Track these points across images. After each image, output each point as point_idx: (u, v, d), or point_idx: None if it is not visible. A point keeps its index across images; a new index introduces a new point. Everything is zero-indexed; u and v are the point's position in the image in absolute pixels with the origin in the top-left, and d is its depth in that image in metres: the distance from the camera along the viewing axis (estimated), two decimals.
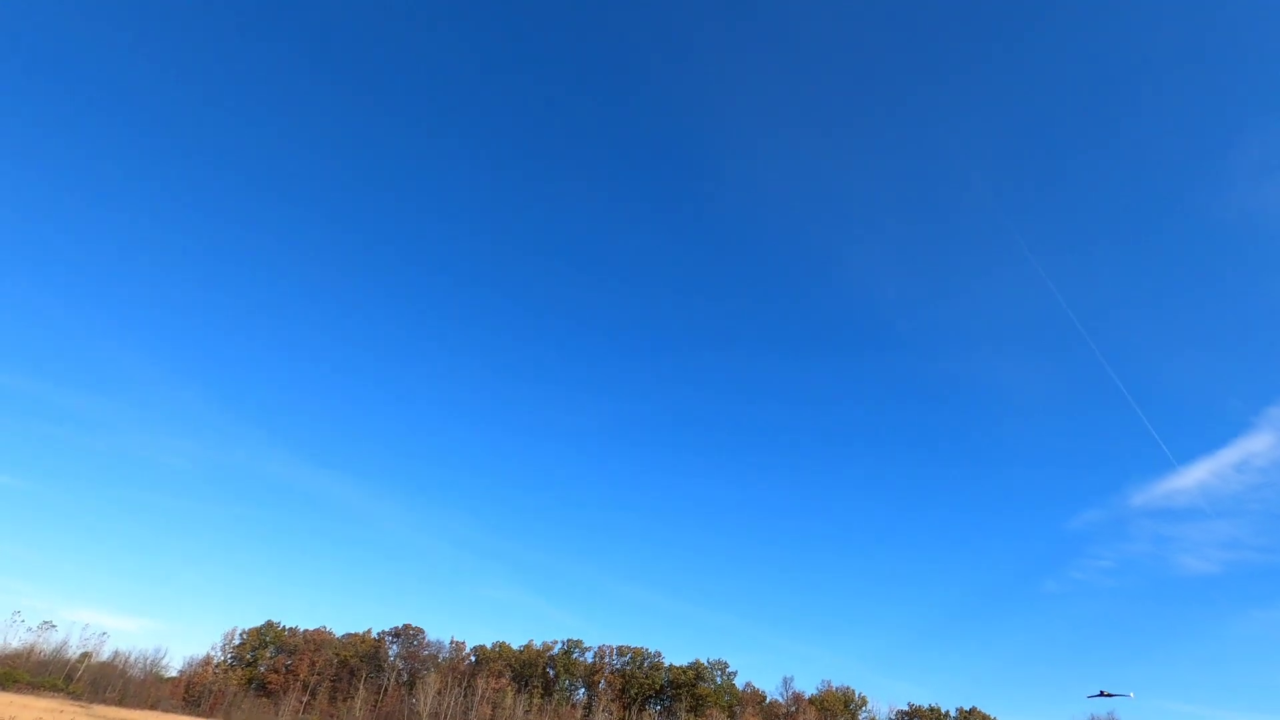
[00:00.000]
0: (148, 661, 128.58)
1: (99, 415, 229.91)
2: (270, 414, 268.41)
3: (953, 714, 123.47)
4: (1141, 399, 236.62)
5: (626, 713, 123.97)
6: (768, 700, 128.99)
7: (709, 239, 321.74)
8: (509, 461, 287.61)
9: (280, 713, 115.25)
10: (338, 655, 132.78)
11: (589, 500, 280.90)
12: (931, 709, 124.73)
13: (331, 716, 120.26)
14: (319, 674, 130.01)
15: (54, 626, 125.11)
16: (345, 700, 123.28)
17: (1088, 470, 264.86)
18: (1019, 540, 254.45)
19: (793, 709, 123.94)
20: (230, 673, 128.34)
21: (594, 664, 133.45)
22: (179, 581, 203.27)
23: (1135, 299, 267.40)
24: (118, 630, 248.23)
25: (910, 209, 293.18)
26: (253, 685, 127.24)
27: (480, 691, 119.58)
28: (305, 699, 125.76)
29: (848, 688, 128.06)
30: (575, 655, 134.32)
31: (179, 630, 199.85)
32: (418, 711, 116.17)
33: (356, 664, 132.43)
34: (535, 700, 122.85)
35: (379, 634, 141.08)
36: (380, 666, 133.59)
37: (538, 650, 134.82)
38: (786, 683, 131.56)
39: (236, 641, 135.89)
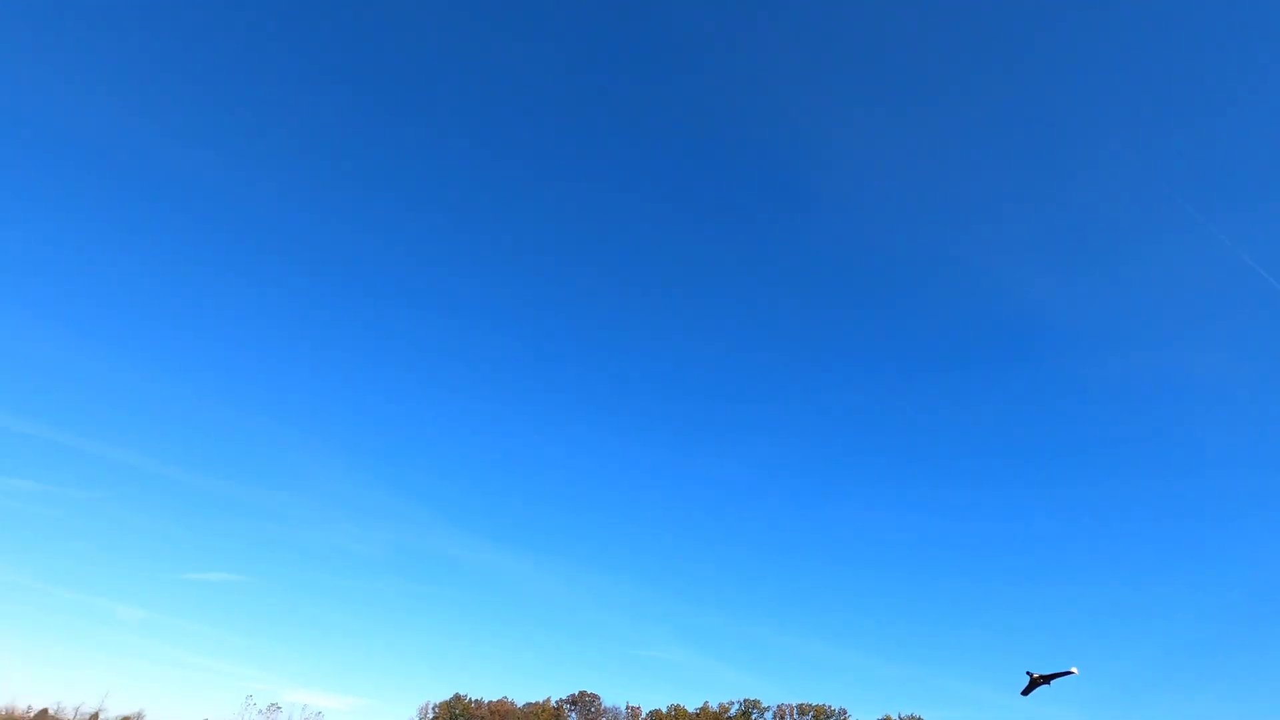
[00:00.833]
0: None
1: (297, 510, 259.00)
2: (442, 496, 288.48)
3: None
4: None
5: None
6: None
7: (805, 248, 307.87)
8: (670, 522, 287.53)
9: None
10: None
11: (756, 550, 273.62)
12: None
13: None
14: None
15: (279, 708, 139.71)
16: None
17: None
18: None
19: None
20: None
21: None
22: (378, 660, 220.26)
23: None
24: (330, 709, 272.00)
25: (1033, 188, 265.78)
26: None
27: None
28: None
29: None
30: (754, 716, 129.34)
31: (379, 707, 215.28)
32: None
33: None
34: None
35: (557, 702, 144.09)
36: None
37: (714, 712, 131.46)
38: None
39: (430, 715, 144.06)
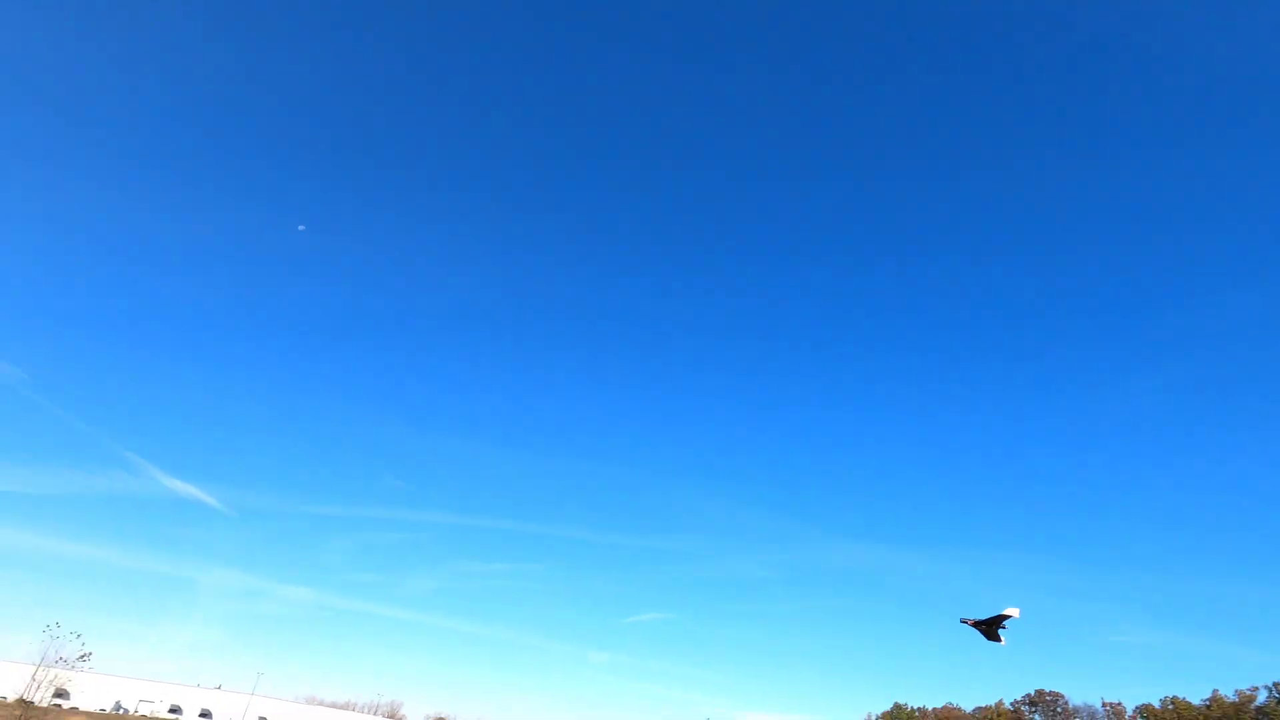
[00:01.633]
0: None
1: (705, 548, 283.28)
2: (823, 508, 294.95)
3: None
4: None
5: None
6: None
7: None
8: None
9: None
10: None
11: None
12: None
13: None
14: None
15: None
16: None
17: None
18: None
19: None
20: None
21: None
22: (807, 675, 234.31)
23: None
24: None
25: None
26: None
27: None
28: None
29: None
30: None
31: None
32: None
33: None
34: None
35: (1013, 703, 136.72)
36: None
37: (1231, 703, 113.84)
38: None
39: None
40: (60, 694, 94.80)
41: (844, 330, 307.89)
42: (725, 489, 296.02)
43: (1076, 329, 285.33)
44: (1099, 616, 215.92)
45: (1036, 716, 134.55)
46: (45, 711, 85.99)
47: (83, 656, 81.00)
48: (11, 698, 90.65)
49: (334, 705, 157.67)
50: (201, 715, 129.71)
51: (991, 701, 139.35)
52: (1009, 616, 38.46)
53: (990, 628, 39.07)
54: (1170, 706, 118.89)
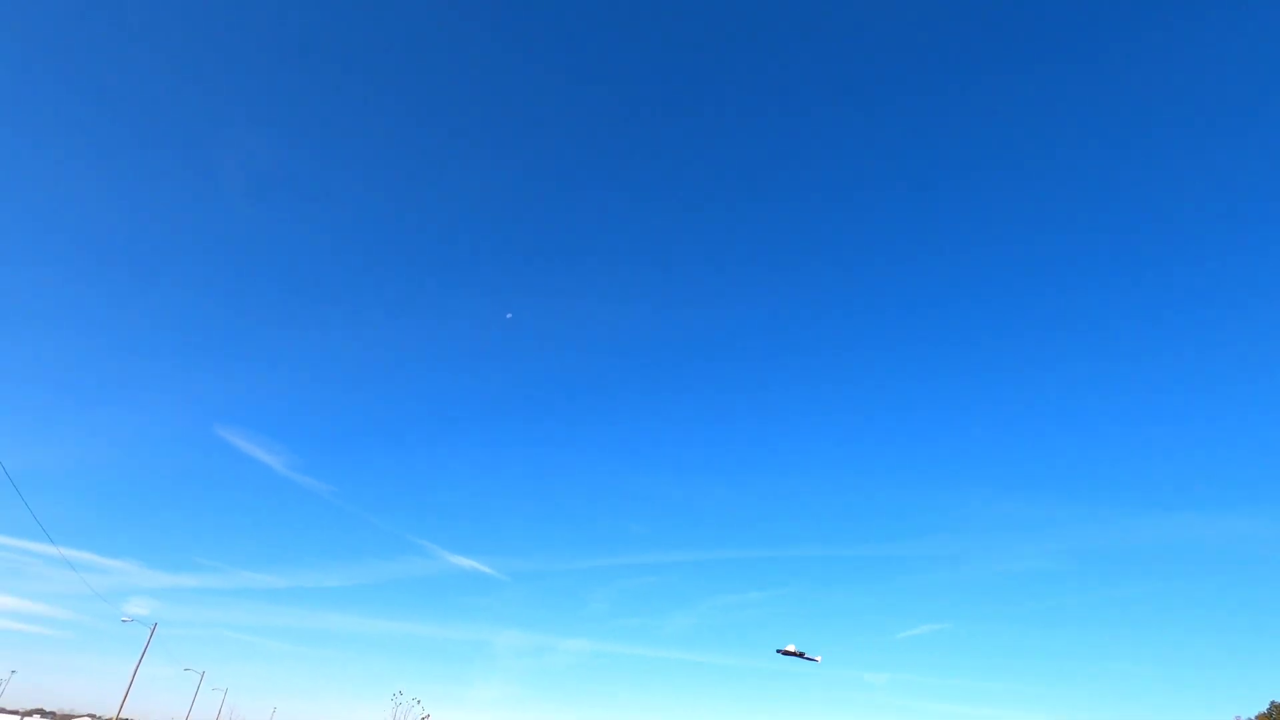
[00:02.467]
0: None
1: (961, 550, 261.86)
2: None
3: None
4: None
5: None
6: None
7: None
8: None
9: None
10: None
11: None
12: None
13: None
14: None
15: None
16: None
17: None
18: None
19: None
20: None
21: None
22: (1137, 677, 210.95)
23: None
24: None
25: None
26: None
27: None
28: None
29: None
30: None
31: None
32: None
33: None
34: None
35: None
36: None
37: None
38: None
39: None
40: None
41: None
42: (973, 478, 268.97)
43: None
44: None
45: None
46: None
47: (425, 717, 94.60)
48: None
49: None
50: None
51: None
52: (815, 660, 51.57)
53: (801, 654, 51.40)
54: None
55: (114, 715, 60.00)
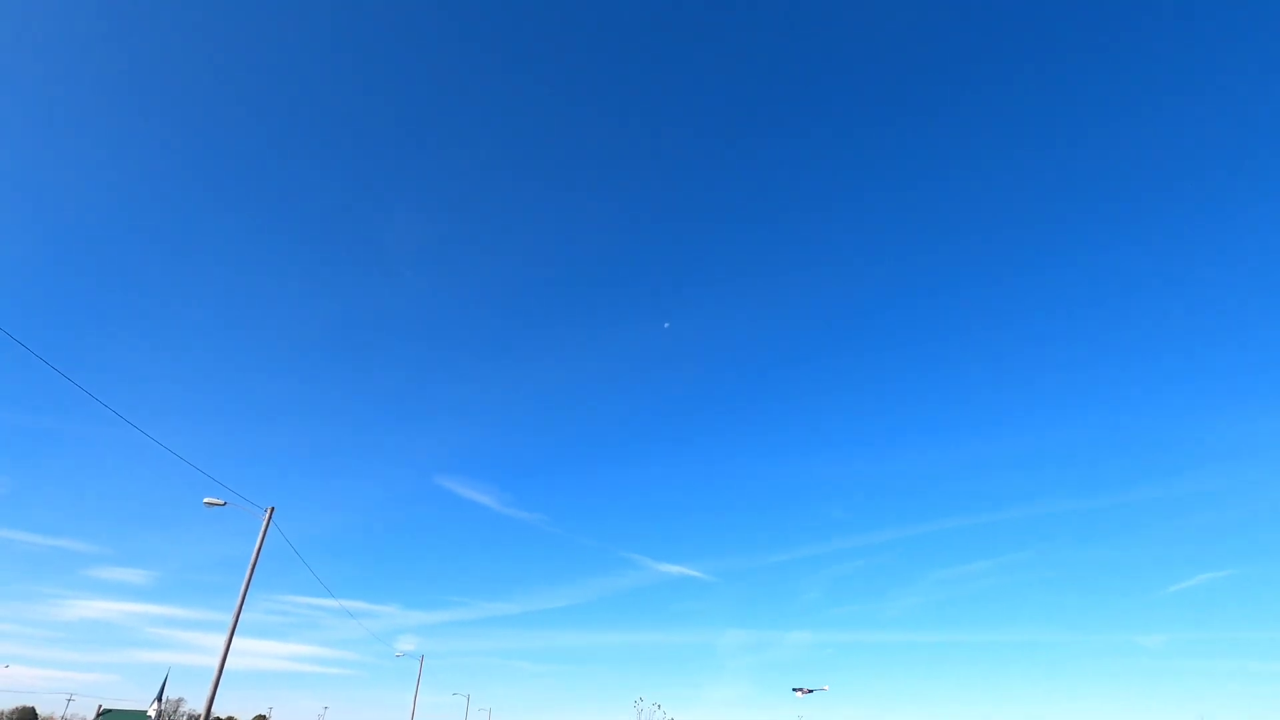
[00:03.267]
0: None
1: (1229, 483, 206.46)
2: None
3: None
4: None
5: None
6: None
7: None
8: None
9: None
10: None
11: None
12: None
13: None
14: None
15: None
16: None
17: None
18: None
19: None
20: None
21: None
22: None
23: None
24: None
25: None
26: None
27: None
28: None
29: None
30: None
31: None
32: None
33: None
34: None
35: None
36: None
37: None
38: None
39: None
40: None
41: None
42: (1250, 393, 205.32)
43: None
44: None
45: None
46: None
47: None
48: None
49: None
50: None
51: None
52: (823, 689, 53.15)
53: (810, 690, 52.48)
54: None
55: None
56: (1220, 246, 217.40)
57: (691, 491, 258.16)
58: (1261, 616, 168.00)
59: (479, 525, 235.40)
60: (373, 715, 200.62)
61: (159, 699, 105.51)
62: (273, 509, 26.97)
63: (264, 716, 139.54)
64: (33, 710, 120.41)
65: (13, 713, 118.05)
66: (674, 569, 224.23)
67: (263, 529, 26.40)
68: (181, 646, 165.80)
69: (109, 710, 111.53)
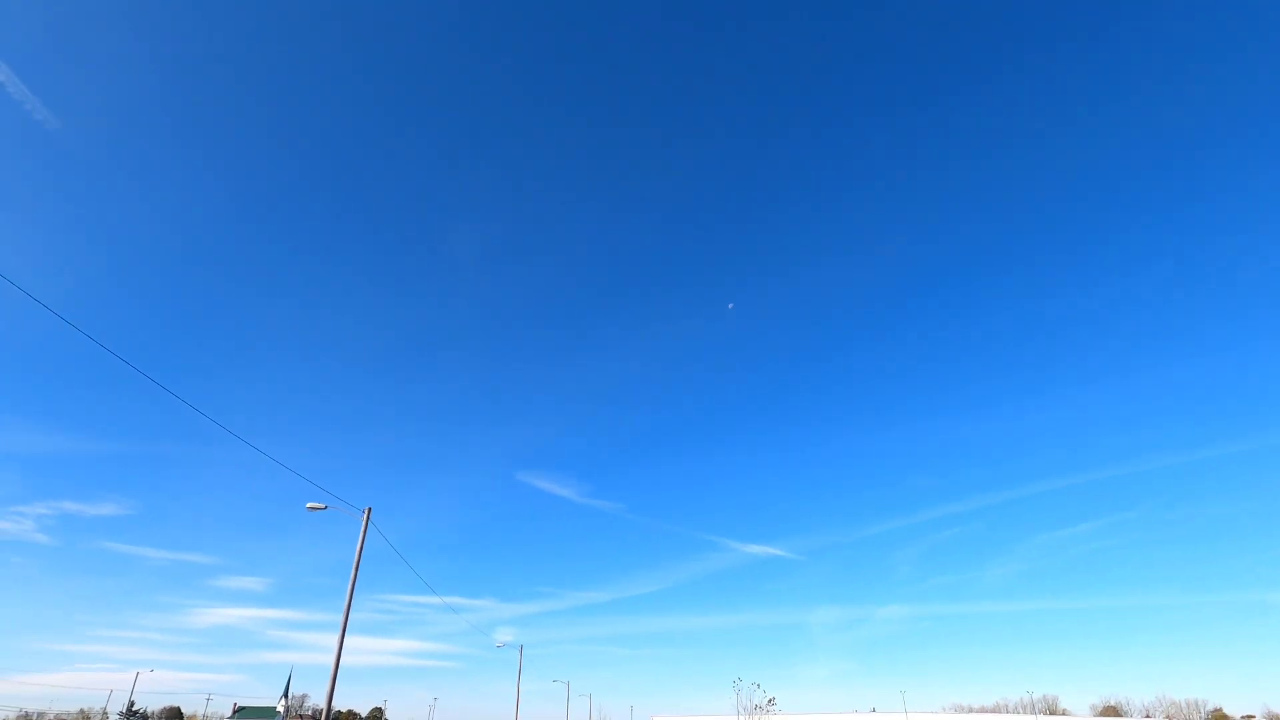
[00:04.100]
0: None
1: None
2: None
3: None
4: None
5: None
6: None
7: None
8: None
9: None
10: None
11: None
12: None
13: None
14: None
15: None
16: None
17: None
18: None
19: None
20: None
21: None
22: None
23: None
24: None
25: None
26: None
27: None
28: None
29: None
30: None
31: None
32: None
33: None
34: None
35: None
36: None
37: None
38: None
39: None
40: None
41: None
42: None
43: None
44: None
45: None
46: None
47: (770, 701, 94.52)
48: None
49: (983, 710, 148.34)
50: None
51: None
52: None
53: None
54: None
55: None
56: None
57: (771, 471, 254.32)
58: None
59: (562, 517, 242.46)
60: (479, 704, 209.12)
61: (285, 695, 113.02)
62: (370, 509, 27.51)
63: (380, 709, 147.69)
64: (178, 710, 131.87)
65: (161, 712, 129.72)
66: (759, 549, 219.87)
67: (363, 529, 26.96)
68: (301, 647, 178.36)
69: (244, 707, 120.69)
